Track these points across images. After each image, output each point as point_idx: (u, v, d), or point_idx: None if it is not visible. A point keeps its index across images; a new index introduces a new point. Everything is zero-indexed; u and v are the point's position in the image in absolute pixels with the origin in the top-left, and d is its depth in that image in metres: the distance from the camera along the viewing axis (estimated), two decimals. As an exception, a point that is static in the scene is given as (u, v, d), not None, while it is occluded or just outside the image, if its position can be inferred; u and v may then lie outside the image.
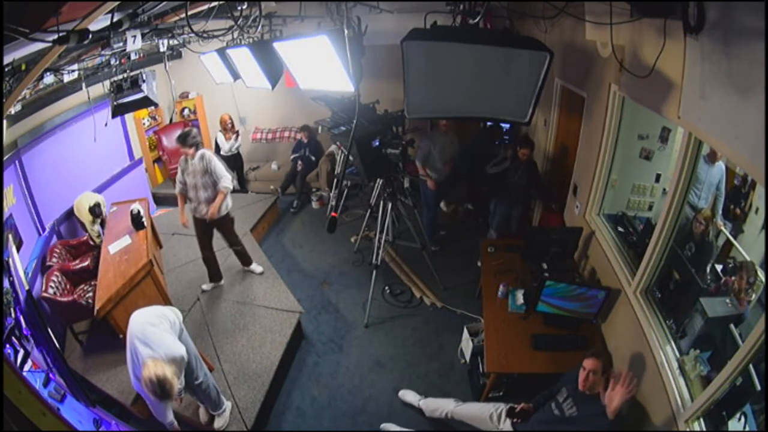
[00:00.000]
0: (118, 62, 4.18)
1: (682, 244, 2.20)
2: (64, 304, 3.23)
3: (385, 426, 2.81)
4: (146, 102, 4.01)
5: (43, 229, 4.17)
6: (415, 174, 4.44)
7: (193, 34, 2.92)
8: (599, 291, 2.65)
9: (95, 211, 4.28)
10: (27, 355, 2.32)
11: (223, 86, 4.92)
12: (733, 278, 1.83)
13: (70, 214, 4.60)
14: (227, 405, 2.75)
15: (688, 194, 2.12)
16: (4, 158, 3.67)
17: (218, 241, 3.83)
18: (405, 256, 4.51)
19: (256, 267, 4.08)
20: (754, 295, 1.69)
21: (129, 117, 5.67)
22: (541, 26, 3.63)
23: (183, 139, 3.36)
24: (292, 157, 5.80)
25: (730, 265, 1.86)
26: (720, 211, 1.96)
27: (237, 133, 5.82)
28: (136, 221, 3.97)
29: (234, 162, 5.96)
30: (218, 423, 2.69)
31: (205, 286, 3.89)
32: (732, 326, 1.76)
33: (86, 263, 3.72)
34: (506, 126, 5.50)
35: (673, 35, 1.76)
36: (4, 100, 2.38)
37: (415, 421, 2.90)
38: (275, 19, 3.57)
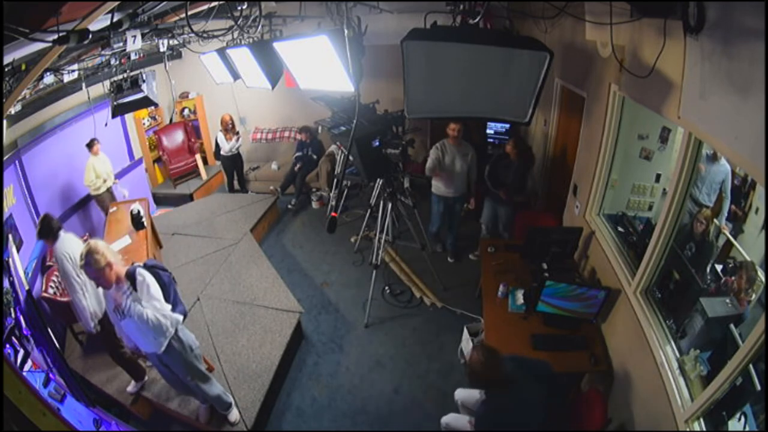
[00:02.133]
0: (118, 62, 4.19)
1: (682, 244, 2.20)
2: (64, 304, 3.22)
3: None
4: (146, 102, 4.02)
5: (43, 229, 4.17)
6: (415, 174, 4.42)
7: (193, 34, 2.92)
8: (599, 291, 2.65)
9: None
10: (27, 355, 2.31)
11: (223, 86, 4.92)
12: (732, 278, 1.83)
13: (69, 214, 4.61)
14: (232, 403, 2.77)
15: (688, 194, 2.12)
16: (4, 158, 3.67)
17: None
18: (405, 256, 4.51)
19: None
20: (754, 295, 1.69)
21: (129, 117, 5.68)
22: (541, 26, 3.63)
23: (38, 233, 2.74)
24: (295, 155, 5.81)
25: (730, 265, 1.86)
26: (725, 214, 1.95)
27: (238, 134, 5.83)
28: (136, 221, 3.98)
29: (234, 162, 5.97)
30: (232, 416, 2.74)
31: (130, 388, 2.94)
32: (732, 326, 1.76)
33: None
34: (500, 126, 5.47)
35: (673, 35, 1.76)
36: (4, 100, 2.38)
37: (416, 421, 2.90)
38: (275, 19, 3.57)
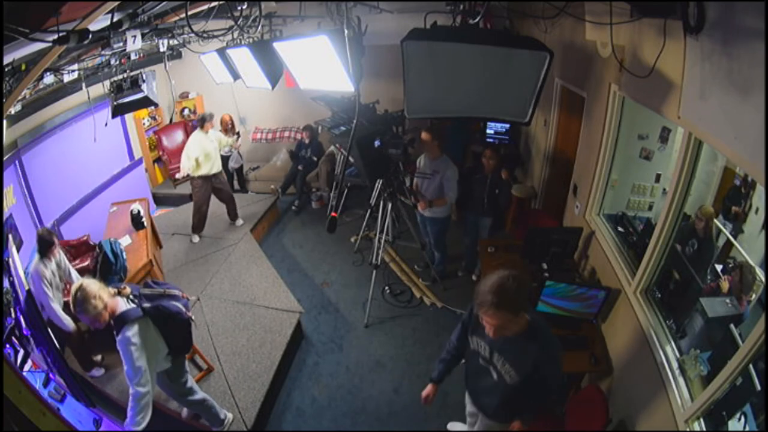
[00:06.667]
0: (118, 62, 4.19)
1: (683, 244, 2.20)
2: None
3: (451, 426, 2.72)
4: (146, 102, 4.01)
5: (43, 229, 4.17)
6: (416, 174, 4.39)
7: (193, 34, 2.91)
8: (599, 291, 2.64)
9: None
10: (27, 355, 2.32)
11: (223, 86, 4.92)
12: (730, 276, 1.83)
13: (70, 214, 4.61)
14: (228, 418, 2.70)
15: (689, 194, 2.12)
16: (4, 158, 3.68)
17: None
18: (405, 256, 4.51)
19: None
20: (754, 295, 1.69)
21: (129, 117, 5.68)
22: (541, 26, 3.63)
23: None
24: (292, 153, 5.82)
25: (730, 265, 1.86)
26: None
27: (238, 134, 5.82)
28: (136, 221, 3.98)
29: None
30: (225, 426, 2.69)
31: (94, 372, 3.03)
32: (732, 326, 1.76)
33: (86, 263, 3.72)
34: (501, 126, 5.47)
35: (673, 35, 1.76)
36: (4, 100, 2.38)
37: (416, 421, 2.90)
38: (275, 19, 3.57)
